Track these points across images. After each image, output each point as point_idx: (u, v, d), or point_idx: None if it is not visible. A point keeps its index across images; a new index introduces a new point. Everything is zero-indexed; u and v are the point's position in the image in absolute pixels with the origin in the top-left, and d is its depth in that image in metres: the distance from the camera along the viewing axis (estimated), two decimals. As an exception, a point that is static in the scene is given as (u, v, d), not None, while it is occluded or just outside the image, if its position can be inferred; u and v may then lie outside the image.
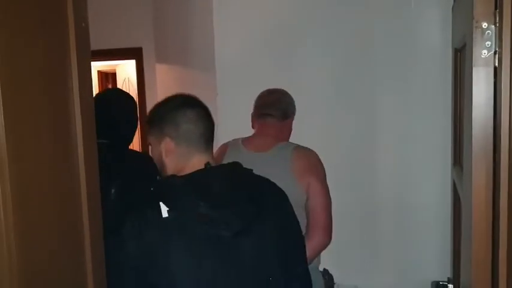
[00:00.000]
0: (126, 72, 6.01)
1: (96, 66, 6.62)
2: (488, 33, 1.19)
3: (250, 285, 1.34)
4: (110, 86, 6.99)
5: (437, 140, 2.44)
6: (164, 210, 1.26)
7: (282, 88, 2.13)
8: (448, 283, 1.88)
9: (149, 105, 4.32)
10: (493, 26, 1.18)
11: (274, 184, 1.47)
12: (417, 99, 2.48)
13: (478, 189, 1.25)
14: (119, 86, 6.28)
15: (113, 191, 1.89)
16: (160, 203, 1.27)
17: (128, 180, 1.94)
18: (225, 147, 2.15)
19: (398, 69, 2.49)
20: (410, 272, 2.38)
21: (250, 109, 2.14)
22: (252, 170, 1.43)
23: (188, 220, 1.27)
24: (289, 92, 2.13)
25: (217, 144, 2.23)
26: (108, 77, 7.28)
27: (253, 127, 2.15)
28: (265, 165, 2.03)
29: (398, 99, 2.52)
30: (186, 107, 1.40)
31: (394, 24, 2.47)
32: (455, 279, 1.89)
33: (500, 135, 1.14)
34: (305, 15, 2.51)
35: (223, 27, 2.54)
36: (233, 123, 2.37)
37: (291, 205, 1.48)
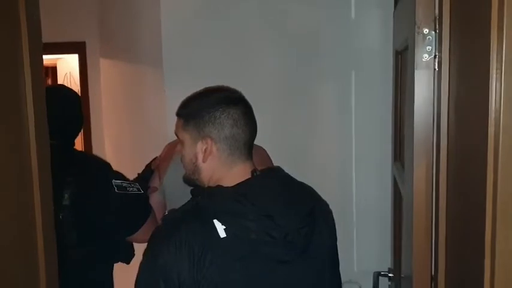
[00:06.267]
0: (68, 67, 5.83)
1: (35, 59, 6.37)
2: (429, 38, 1.28)
3: None
4: (49, 81, 6.75)
5: (378, 137, 2.54)
6: (221, 229, 1.10)
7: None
8: (389, 273, 1.98)
9: (92, 101, 4.21)
10: (434, 32, 1.27)
11: (314, 190, 1.34)
12: (358, 98, 2.58)
13: (419, 185, 1.33)
14: (60, 80, 6.08)
15: (66, 196, 1.78)
16: (215, 221, 1.10)
17: (82, 187, 1.83)
18: (173, 145, 2.13)
19: (341, 69, 2.57)
20: (353, 263, 2.48)
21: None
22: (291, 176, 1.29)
23: (250, 238, 1.11)
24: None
25: (164, 142, 2.22)
26: (47, 71, 7.03)
27: None
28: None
29: (340, 97, 2.61)
30: (232, 105, 1.22)
31: (337, 25, 2.55)
32: (395, 269, 1.99)
33: (440, 133, 1.22)
34: (253, 12, 2.54)
35: (171, 22, 2.52)
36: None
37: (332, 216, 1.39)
